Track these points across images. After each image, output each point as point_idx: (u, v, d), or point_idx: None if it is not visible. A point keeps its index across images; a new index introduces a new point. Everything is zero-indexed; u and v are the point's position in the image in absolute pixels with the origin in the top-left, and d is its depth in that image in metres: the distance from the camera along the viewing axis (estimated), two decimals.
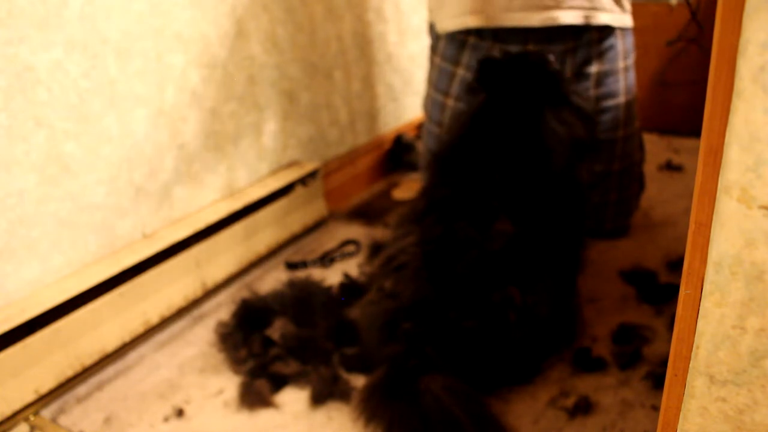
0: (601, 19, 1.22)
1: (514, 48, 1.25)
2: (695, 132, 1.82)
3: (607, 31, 1.25)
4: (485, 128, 1.07)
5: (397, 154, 1.84)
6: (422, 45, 1.93)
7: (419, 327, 0.93)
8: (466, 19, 1.25)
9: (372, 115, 1.79)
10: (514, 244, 0.96)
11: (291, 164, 1.51)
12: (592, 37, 1.25)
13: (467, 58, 1.31)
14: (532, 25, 1.21)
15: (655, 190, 1.60)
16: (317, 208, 1.54)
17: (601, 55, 1.26)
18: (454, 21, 1.27)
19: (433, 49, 1.40)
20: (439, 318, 0.93)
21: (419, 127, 1.94)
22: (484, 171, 1.03)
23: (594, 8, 1.21)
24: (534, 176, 1.02)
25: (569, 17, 1.20)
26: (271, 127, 1.43)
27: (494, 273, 0.95)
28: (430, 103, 1.41)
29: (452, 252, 0.97)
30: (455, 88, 1.33)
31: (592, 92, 1.27)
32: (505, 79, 1.08)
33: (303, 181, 1.47)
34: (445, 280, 0.95)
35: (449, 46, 1.33)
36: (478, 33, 1.29)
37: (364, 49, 1.70)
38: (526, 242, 0.97)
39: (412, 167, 1.81)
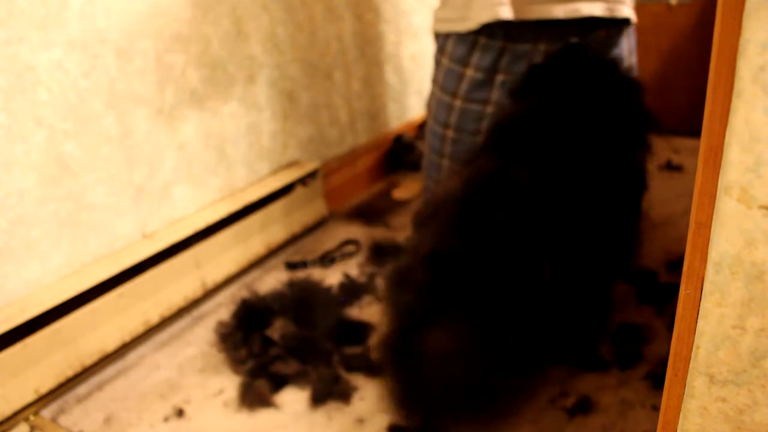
0: (624, 12, 1.23)
1: (524, 48, 1.25)
2: (695, 132, 1.82)
3: (615, 29, 1.26)
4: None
5: (397, 154, 1.84)
6: (422, 45, 1.93)
7: (431, 276, 0.82)
8: (496, 10, 1.23)
9: (372, 115, 1.79)
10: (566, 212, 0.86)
11: (291, 164, 1.51)
12: (600, 35, 1.25)
13: (477, 58, 1.30)
14: (556, 17, 1.21)
15: (655, 190, 1.60)
16: (317, 208, 1.54)
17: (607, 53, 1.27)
18: (486, 13, 1.25)
19: (441, 49, 1.39)
20: (460, 270, 0.82)
21: (420, 127, 1.94)
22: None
23: (617, 1, 1.22)
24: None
25: (594, 9, 1.20)
26: (271, 127, 1.43)
27: (534, 233, 0.83)
28: (435, 104, 1.41)
29: (498, 196, 0.84)
30: (463, 88, 1.33)
31: None
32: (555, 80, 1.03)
33: (303, 181, 1.47)
34: (480, 228, 0.82)
35: (458, 46, 1.33)
36: (489, 33, 1.28)
37: (364, 49, 1.70)
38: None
39: (412, 167, 1.81)
